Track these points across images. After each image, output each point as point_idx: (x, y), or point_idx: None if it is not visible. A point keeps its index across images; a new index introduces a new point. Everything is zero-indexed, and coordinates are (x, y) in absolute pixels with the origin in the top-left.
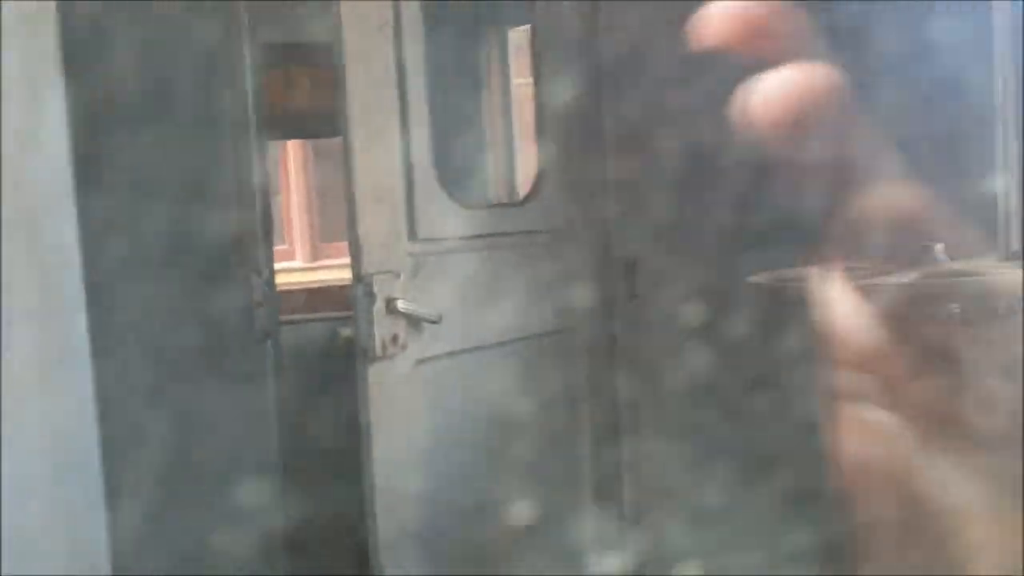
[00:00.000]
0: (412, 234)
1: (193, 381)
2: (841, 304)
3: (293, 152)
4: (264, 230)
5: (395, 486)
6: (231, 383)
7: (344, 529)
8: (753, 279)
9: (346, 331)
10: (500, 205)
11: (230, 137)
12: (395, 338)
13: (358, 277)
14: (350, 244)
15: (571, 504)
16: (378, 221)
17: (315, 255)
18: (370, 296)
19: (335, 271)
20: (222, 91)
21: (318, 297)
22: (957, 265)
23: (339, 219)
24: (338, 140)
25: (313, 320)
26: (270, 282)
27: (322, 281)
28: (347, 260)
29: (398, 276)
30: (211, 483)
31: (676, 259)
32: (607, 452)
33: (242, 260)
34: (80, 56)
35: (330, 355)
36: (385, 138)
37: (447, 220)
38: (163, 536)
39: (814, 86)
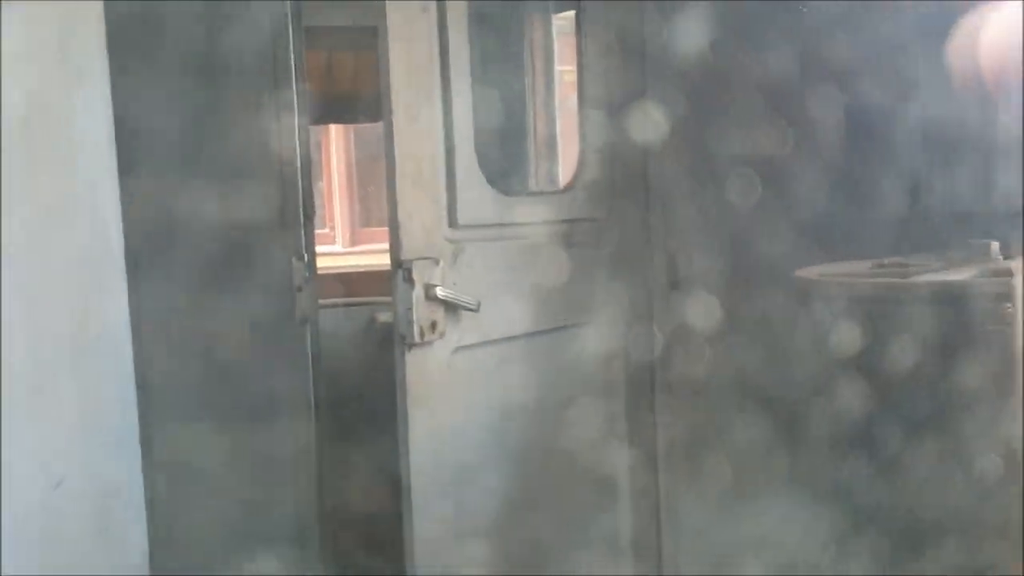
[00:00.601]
0: (452, 220)
1: (234, 365)
2: None
3: (335, 136)
4: (306, 215)
5: (431, 472)
6: (272, 367)
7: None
8: (803, 273)
9: (383, 316)
10: (541, 193)
11: (274, 120)
12: (433, 325)
13: (397, 263)
14: (390, 230)
15: (608, 490)
16: (419, 207)
17: (355, 239)
18: (409, 282)
19: (375, 256)
20: (267, 75)
21: (357, 281)
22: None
23: (379, 204)
24: (380, 125)
25: (352, 304)
26: (311, 267)
27: (362, 266)
28: (387, 245)
29: (437, 263)
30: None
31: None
32: (643, 442)
33: (284, 244)
34: (127, 38)
35: (367, 340)
36: (427, 123)
37: (487, 207)
38: (201, 522)
39: None
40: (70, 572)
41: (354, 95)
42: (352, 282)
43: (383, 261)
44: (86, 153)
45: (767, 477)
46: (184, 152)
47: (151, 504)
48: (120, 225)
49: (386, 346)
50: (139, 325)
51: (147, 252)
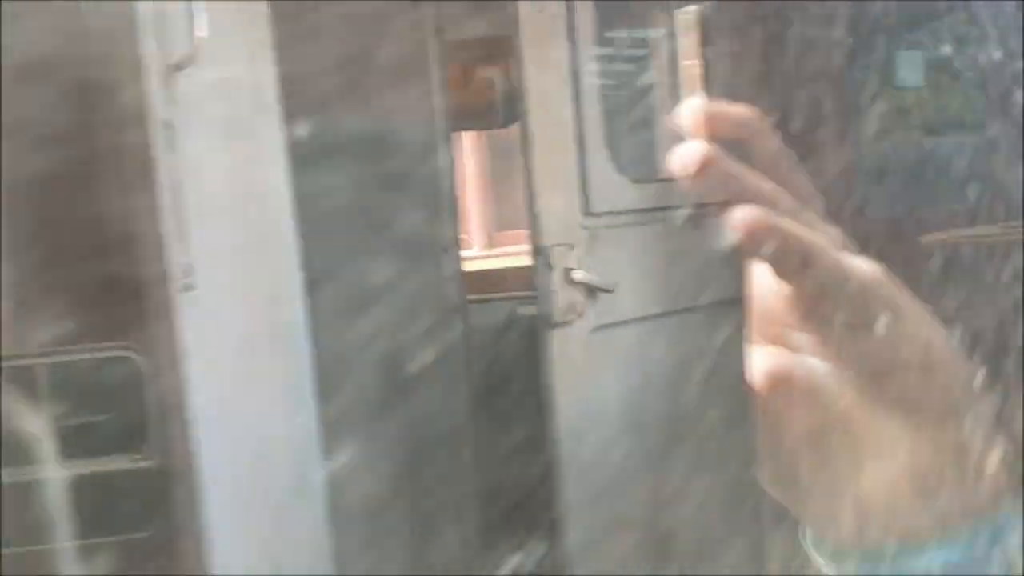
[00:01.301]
0: (586, 209)
1: (395, 352)
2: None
3: (468, 144)
4: (451, 213)
5: (577, 445)
6: (428, 355)
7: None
8: (930, 238)
9: (524, 310)
10: (668, 179)
11: (420, 129)
12: (573, 306)
13: (538, 250)
14: (529, 220)
15: (746, 472)
16: (555, 198)
17: (491, 243)
18: (549, 267)
19: (510, 258)
20: (411, 88)
21: (497, 279)
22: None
23: (512, 209)
24: (507, 132)
25: (494, 300)
26: (457, 260)
27: (500, 266)
28: (521, 247)
29: (574, 248)
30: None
31: None
32: None
33: (434, 241)
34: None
35: (510, 331)
36: (559, 120)
37: (618, 194)
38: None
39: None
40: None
41: (485, 103)
42: (493, 279)
43: (518, 262)
44: (261, 164)
45: None
46: (333, 157)
47: None
48: (292, 219)
49: (529, 336)
50: (312, 315)
51: (310, 252)
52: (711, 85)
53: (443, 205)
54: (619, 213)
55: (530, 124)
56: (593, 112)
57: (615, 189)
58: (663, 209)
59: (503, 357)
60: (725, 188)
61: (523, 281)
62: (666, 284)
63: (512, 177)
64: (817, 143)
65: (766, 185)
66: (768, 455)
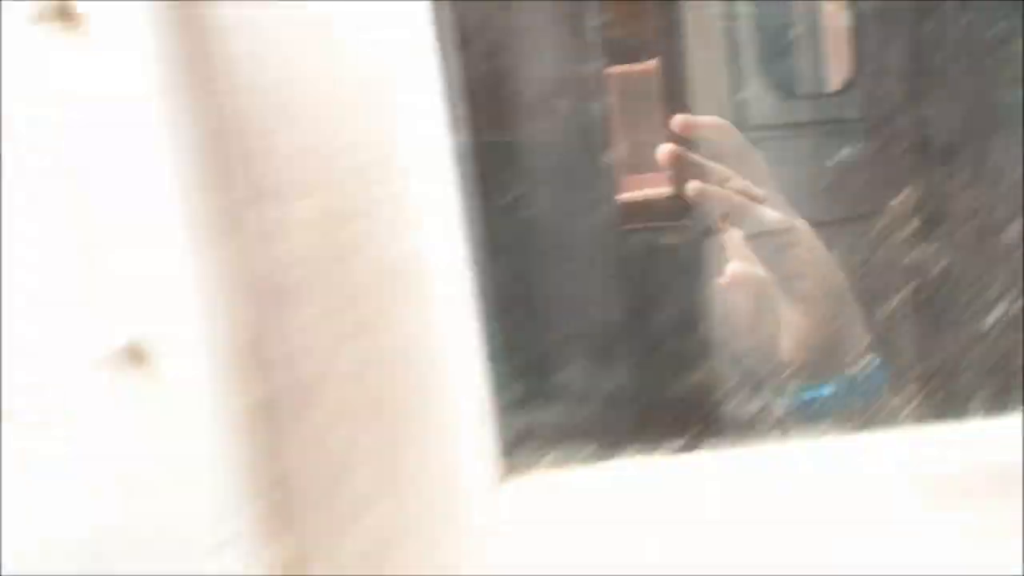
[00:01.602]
0: (737, 123)
1: (559, 267)
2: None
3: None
4: (601, 144)
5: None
6: (588, 271)
7: None
8: None
9: (667, 238)
10: (813, 96)
11: (572, 61)
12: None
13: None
14: (676, 142)
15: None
16: (706, 113)
17: (622, 188)
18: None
19: (644, 193)
20: (565, 23)
21: (636, 210)
22: None
23: (645, 150)
24: (627, 72)
25: (635, 230)
26: (611, 186)
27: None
28: (656, 191)
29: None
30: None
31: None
32: (908, 338)
33: (589, 172)
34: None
35: (654, 258)
36: (713, 45)
37: (766, 109)
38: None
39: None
40: None
41: (633, 38)
42: (630, 211)
43: (657, 195)
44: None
45: None
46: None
47: None
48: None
49: (671, 261)
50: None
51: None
52: (853, 21)
53: (594, 135)
54: (767, 128)
55: (676, 48)
56: (744, 36)
57: (762, 104)
58: (810, 124)
59: (649, 281)
60: (691, 171)
61: (661, 211)
62: (812, 197)
63: (642, 119)
64: (963, 85)
65: (717, 167)
66: (734, 328)
